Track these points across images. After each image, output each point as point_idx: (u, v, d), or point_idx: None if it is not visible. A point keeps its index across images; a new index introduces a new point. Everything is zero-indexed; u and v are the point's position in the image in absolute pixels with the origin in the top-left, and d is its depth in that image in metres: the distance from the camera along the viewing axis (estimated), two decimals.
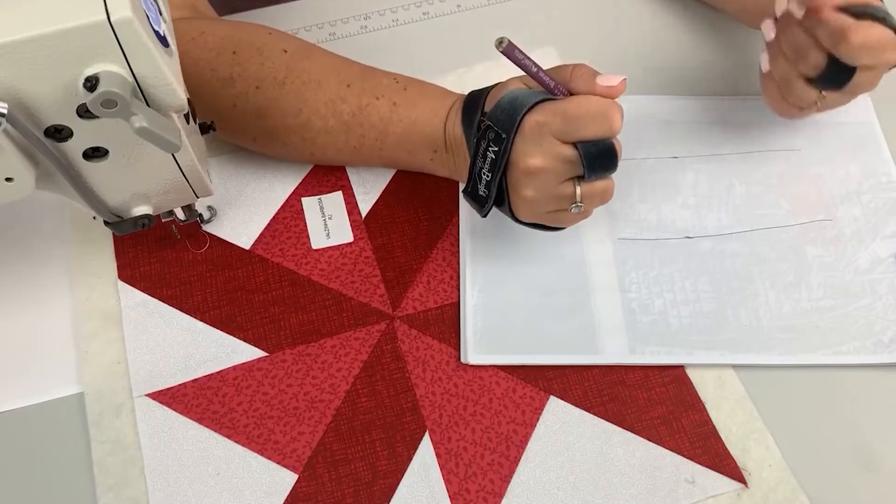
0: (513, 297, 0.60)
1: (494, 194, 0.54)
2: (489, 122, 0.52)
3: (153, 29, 0.42)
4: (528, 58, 0.50)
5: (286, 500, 0.52)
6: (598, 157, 0.51)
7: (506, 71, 0.72)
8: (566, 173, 0.52)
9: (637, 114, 0.69)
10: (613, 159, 0.51)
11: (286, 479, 0.53)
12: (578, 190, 0.52)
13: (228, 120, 0.60)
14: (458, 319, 0.59)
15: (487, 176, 0.54)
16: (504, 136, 0.52)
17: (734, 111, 0.70)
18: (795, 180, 0.66)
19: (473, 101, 0.56)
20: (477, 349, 0.57)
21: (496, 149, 0.52)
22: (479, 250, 0.61)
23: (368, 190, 0.65)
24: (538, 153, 0.51)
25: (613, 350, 0.58)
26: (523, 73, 0.53)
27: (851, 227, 0.64)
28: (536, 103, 0.51)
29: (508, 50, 0.49)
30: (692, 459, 0.54)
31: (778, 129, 0.69)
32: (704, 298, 0.60)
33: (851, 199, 0.65)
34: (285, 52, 0.60)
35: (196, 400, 0.56)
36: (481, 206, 0.55)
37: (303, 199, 0.65)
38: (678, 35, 0.76)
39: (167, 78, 0.42)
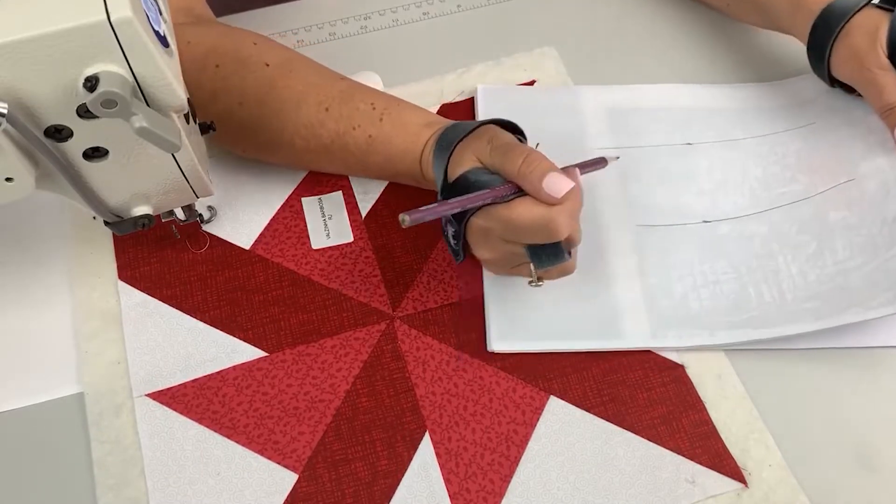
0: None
1: (464, 252, 0.56)
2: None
3: (153, 29, 0.42)
4: (442, 207, 0.49)
5: (286, 500, 0.52)
6: (545, 255, 0.51)
7: (504, 72, 0.72)
8: (518, 260, 0.52)
9: (649, 102, 0.70)
10: (560, 255, 0.51)
11: (286, 480, 0.53)
12: (534, 270, 0.52)
13: (217, 133, 0.60)
14: (457, 319, 0.59)
15: (453, 240, 0.55)
16: (456, 222, 0.53)
17: (746, 98, 0.70)
18: (812, 153, 0.66)
19: (444, 148, 0.55)
20: (500, 337, 0.57)
21: (454, 228, 0.53)
22: None
23: (368, 190, 0.65)
24: (486, 249, 0.52)
25: (635, 334, 0.58)
26: (488, 135, 0.54)
27: (876, 178, 0.62)
28: (481, 207, 0.51)
29: (415, 221, 0.48)
30: (692, 459, 0.54)
31: (791, 111, 0.69)
32: (724, 280, 0.60)
33: (874, 151, 0.64)
34: (267, 65, 0.59)
35: (196, 400, 0.56)
36: (454, 255, 0.57)
37: (303, 199, 0.65)
38: (679, 28, 0.76)
39: (167, 78, 0.42)
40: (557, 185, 0.48)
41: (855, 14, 0.61)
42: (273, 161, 0.64)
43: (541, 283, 0.53)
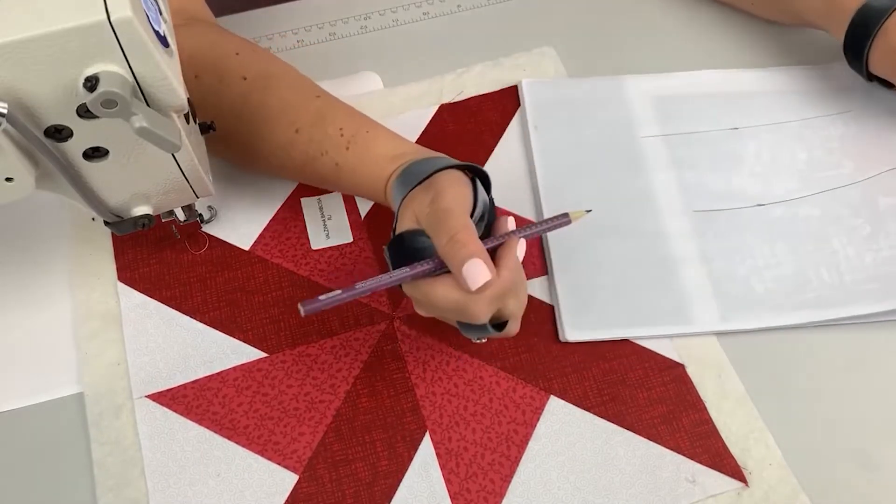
0: (599, 273, 0.61)
1: None
2: (389, 261, 0.52)
3: (153, 29, 0.42)
4: (347, 293, 0.47)
5: (287, 500, 0.52)
6: (471, 328, 0.50)
7: (503, 72, 0.72)
8: (452, 323, 0.51)
9: (693, 88, 0.71)
10: (485, 331, 0.49)
11: (287, 480, 0.53)
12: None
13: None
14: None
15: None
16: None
17: (786, 81, 0.72)
18: (855, 140, 0.68)
19: (399, 194, 0.53)
20: (573, 327, 0.58)
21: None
22: (558, 230, 0.62)
23: None
24: (421, 310, 0.51)
25: (705, 319, 0.59)
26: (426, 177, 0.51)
27: None
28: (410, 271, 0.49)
29: (312, 311, 0.46)
30: (693, 459, 0.54)
31: (830, 94, 0.71)
32: (785, 262, 0.61)
33: None
34: (245, 79, 0.58)
35: (196, 401, 0.56)
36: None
37: (302, 199, 0.65)
38: (678, 26, 0.76)
39: (167, 78, 0.42)
40: (474, 276, 0.46)
41: (893, 12, 0.63)
42: (257, 172, 0.63)
43: (482, 340, 0.52)
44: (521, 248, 0.51)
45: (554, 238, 0.62)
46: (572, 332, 0.58)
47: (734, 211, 0.64)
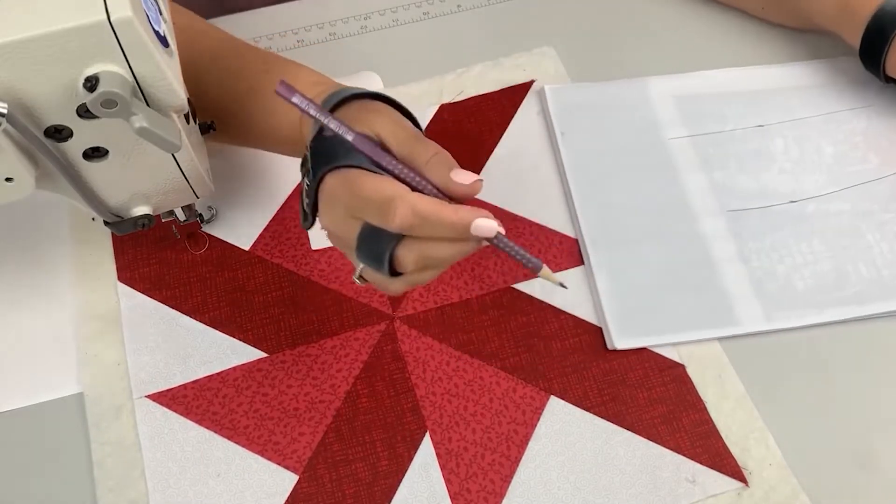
0: (640, 278, 0.61)
1: (312, 216, 0.49)
2: (309, 153, 0.46)
3: (153, 29, 0.42)
4: (329, 117, 0.43)
5: (287, 500, 0.52)
6: (368, 249, 0.44)
7: (503, 72, 0.72)
8: (349, 247, 0.46)
9: (714, 87, 0.71)
10: (379, 260, 0.44)
11: (287, 480, 0.53)
12: (356, 262, 0.46)
13: None
14: (458, 319, 0.59)
15: (307, 199, 0.48)
16: (311, 178, 0.46)
17: (802, 76, 0.73)
18: (878, 134, 0.68)
19: (330, 102, 0.48)
20: (621, 334, 0.58)
21: (308, 185, 0.47)
22: (597, 235, 0.62)
23: None
24: (329, 217, 0.46)
25: (750, 319, 0.59)
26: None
27: None
28: (341, 166, 0.44)
29: (287, 95, 0.42)
30: (693, 459, 0.54)
31: (850, 88, 0.72)
32: (822, 258, 0.62)
33: None
34: (174, 24, 0.56)
35: (196, 401, 0.56)
36: (304, 220, 0.50)
37: None
38: (678, 25, 0.76)
39: (167, 78, 0.42)
40: (466, 176, 0.43)
41: None
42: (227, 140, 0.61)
43: (361, 281, 0.47)
44: (490, 228, 0.42)
45: (592, 244, 0.62)
46: (621, 340, 0.58)
47: (767, 209, 0.64)
